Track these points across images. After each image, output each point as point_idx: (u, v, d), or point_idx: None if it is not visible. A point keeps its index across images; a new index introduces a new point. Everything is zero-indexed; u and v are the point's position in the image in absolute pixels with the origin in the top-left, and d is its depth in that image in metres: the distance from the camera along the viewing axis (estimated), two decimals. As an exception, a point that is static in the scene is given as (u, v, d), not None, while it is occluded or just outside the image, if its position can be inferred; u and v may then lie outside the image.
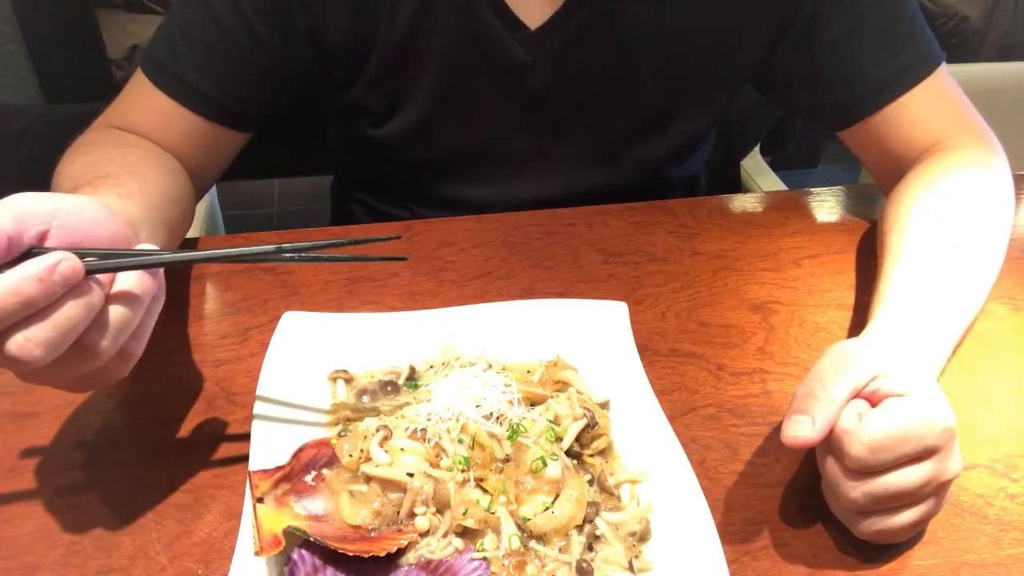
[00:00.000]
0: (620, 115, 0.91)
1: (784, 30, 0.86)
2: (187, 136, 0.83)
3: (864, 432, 0.49)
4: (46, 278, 0.44)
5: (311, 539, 0.49)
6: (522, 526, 0.53)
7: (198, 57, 0.80)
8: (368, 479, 0.54)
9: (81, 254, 0.47)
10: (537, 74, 0.86)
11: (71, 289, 0.45)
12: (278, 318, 0.68)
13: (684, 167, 1.05)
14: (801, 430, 0.51)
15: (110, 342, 0.48)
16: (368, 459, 0.55)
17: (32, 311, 0.44)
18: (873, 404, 0.52)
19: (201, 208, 1.11)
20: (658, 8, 0.83)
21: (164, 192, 0.73)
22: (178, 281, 0.78)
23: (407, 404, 0.59)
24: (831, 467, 0.52)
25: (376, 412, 0.61)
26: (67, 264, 0.45)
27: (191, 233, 0.86)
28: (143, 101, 0.82)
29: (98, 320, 0.47)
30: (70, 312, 0.46)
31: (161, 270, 0.52)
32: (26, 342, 0.44)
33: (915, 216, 0.73)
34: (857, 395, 0.53)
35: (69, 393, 0.65)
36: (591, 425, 0.58)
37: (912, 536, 0.54)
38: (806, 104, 0.91)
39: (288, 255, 0.54)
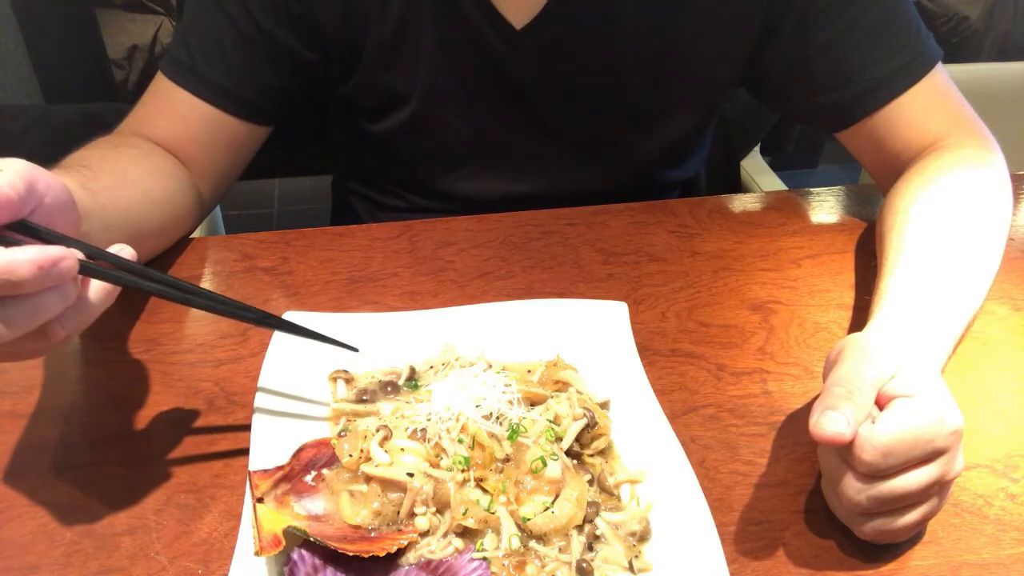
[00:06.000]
0: (607, 113, 0.91)
1: (772, 31, 0.86)
2: (204, 132, 0.84)
3: (877, 436, 0.49)
4: (45, 268, 0.44)
5: (311, 539, 0.49)
6: (522, 526, 0.53)
7: (210, 51, 0.82)
8: (368, 479, 0.54)
9: (62, 241, 0.47)
10: (524, 72, 0.87)
11: None
12: (278, 318, 0.68)
13: (680, 171, 1.05)
14: (839, 426, 0.49)
15: (67, 333, 0.49)
16: (368, 459, 0.55)
17: (13, 292, 0.44)
18: (880, 404, 0.52)
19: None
20: (643, 8, 0.83)
21: (144, 193, 0.74)
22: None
23: (407, 404, 0.59)
24: (838, 469, 0.52)
25: (376, 412, 0.61)
26: (68, 264, 0.45)
27: (192, 234, 0.86)
28: (162, 100, 0.84)
29: (64, 312, 0.48)
30: (48, 302, 0.46)
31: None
32: (4, 323, 0.44)
33: (914, 214, 0.73)
34: None
35: (69, 393, 0.65)
36: (591, 425, 0.58)
37: (913, 535, 0.54)
38: (802, 107, 0.90)
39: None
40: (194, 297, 0.56)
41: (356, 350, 0.64)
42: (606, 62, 0.87)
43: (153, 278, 0.54)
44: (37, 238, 0.48)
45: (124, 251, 0.52)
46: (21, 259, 0.43)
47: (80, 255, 0.47)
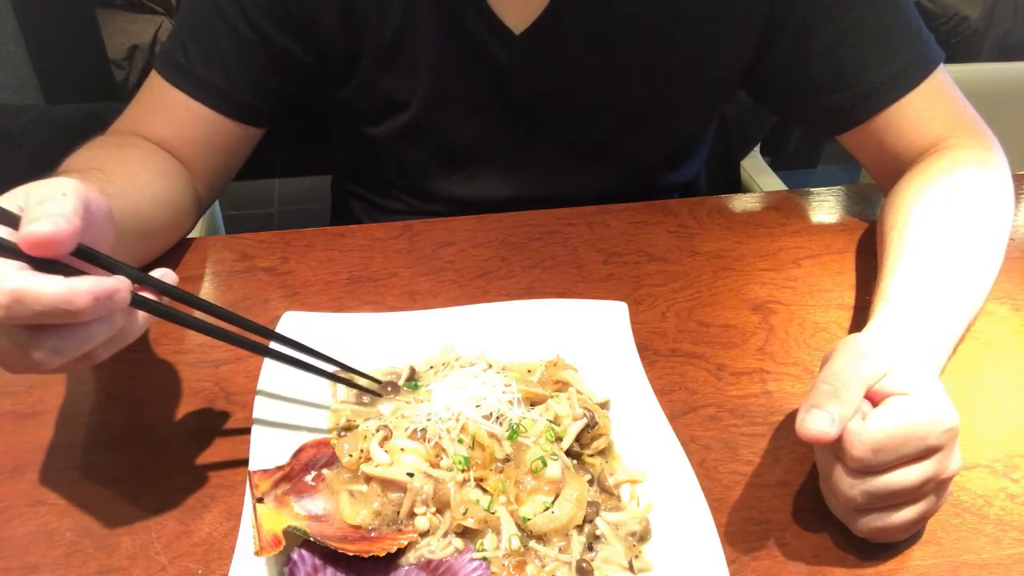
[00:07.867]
0: (606, 117, 0.91)
1: (773, 34, 0.85)
2: (200, 134, 0.84)
3: (867, 432, 0.49)
4: (102, 299, 0.44)
5: (311, 539, 0.49)
6: (522, 526, 0.53)
7: (207, 52, 0.82)
8: (368, 479, 0.54)
9: (113, 265, 0.49)
10: (523, 77, 0.87)
11: None
12: (278, 318, 0.68)
13: (679, 173, 1.05)
14: (823, 425, 0.49)
15: (108, 355, 0.49)
16: (368, 459, 0.55)
17: (68, 321, 0.45)
18: (875, 402, 0.52)
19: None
20: (642, 12, 0.83)
21: (152, 195, 0.74)
22: (179, 282, 0.78)
23: (407, 404, 0.59)
24: (831, 465, 0.52)
25: (376, 412, 0.61)
26: (122, 296, 0.46)
27: (191, 234, 0.86)
28: (157, 101, 0.84)
29: (109, 339, 0.48)
30: (97, 331, 0.46)
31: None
32: (54, 352, 0.45)
33: (915, 215, 0.73)
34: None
35: (69, 393, 0.65)
36: (591, 425, 0.58)
37: (911, 534, 0.54)
38: (803, 110, 0.90)
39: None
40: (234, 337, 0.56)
41: (380, 395, 0.63)
42: (606, 66, 0.86)
43: (195, 305, 0.55)
44: (95, 263, 0.49)
45: (168, 276, 0.52)
46: (80, 289, 0.44)
47: (129, 284, 0.47)
